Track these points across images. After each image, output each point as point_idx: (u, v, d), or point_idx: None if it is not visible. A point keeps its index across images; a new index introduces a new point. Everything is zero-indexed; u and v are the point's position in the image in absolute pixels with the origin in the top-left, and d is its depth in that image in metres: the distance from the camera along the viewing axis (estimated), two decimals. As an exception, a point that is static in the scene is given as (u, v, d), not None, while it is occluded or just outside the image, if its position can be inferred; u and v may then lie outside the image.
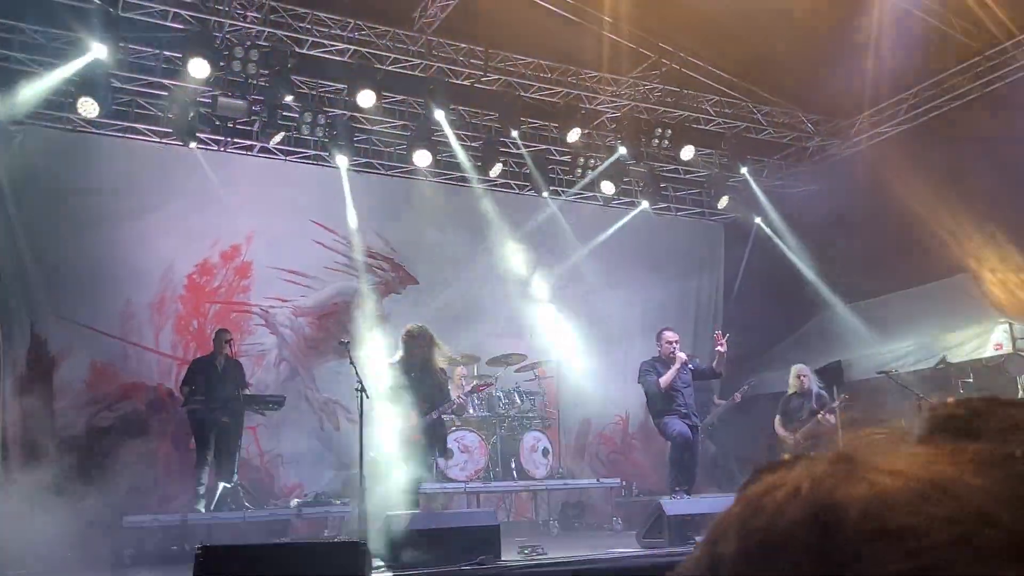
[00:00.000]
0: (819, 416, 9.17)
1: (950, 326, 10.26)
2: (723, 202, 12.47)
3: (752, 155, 12.42)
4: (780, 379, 11.52)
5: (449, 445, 8.64)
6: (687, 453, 8.01)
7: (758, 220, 12.96)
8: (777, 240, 12.51)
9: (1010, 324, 9.72)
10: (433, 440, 7.31)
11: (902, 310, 10.89)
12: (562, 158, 11.91)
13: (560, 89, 10.82)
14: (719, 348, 8.24)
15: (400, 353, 7.14)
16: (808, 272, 12.00)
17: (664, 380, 8.12)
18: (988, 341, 9.83)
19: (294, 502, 8.90)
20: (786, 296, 12.35)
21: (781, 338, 12.57)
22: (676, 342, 8.35)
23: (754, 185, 12.61)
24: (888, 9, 10.01)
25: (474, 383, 8.67)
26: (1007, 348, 9.68)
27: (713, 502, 7.31)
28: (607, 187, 11.63)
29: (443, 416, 7.46)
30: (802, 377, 9.59)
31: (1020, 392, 9.58)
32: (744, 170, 12.33)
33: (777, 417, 9.61)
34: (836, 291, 11.63)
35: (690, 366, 8.23)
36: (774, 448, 9.52)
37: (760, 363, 12.23)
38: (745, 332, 12.50)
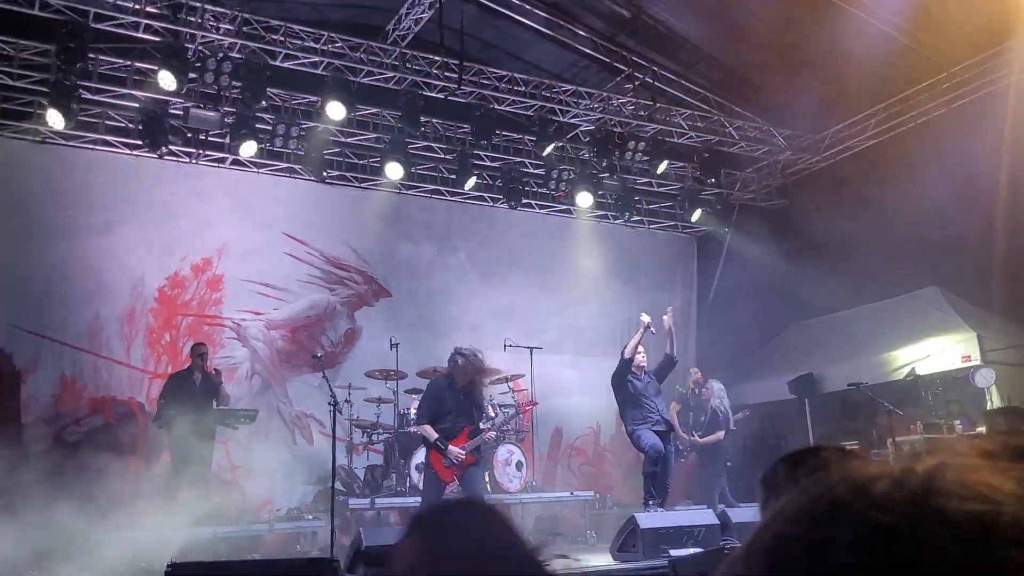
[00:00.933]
0: (720, 434, 9.83)
1: (919, 338, 10.39)
2: (696, 215, 12.57)
3: (724, 169, 12.54)
4: (754, 390, 11.63)
5: (421, 460, 8.61)
6: (660, 466, 8.01)
7: (729, 233, 13.06)
8: (749, 253, 12.61)
9: (978, 335, 9.86)
10: (481, 459, 7.25)
11: (872, 323, 11.02)
12: (536, 171, 11.95)
13: (534, 102, 10.87)
14: (667, 324, 8.20)
15: (453, 376, 6.96)
16: (780, 285, 12.10)
17: (629, 347, 8.08)
18: (957, 353, 9.97)
19: (265, 517, 8.80)
20: (759, 308, 12.45)
21: (754, 350, 12.67)
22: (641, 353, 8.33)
23: (726, 197, 12.74)
24: (857, 26, 10.18)
25: (518, 404, 8.64)
26: (976, 359, 9.81)
27: (686, 515, 7.34)
28: (582, 200, 11.67)
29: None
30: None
31: (988, 403, 9.72)
32: (715, 182, 12.44)
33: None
34: (807, 304, 11.73)
35: (651, 330, 8.14)
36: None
37: (734, 375, 12.31)
38: (719, 344, 12.63)
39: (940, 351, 10.09)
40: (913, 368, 10.01)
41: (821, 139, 12.46)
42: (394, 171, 10.68)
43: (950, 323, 10.29)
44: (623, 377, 8.17)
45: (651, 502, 7.84)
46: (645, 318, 8.18)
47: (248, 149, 9.90)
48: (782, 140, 12.45)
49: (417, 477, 9.01)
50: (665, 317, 8.29)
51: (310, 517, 8.66)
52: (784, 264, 11.81)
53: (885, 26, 10.16)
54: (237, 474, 9.93)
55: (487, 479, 9.73)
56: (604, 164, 11.76)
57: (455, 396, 6.90)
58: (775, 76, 11.77)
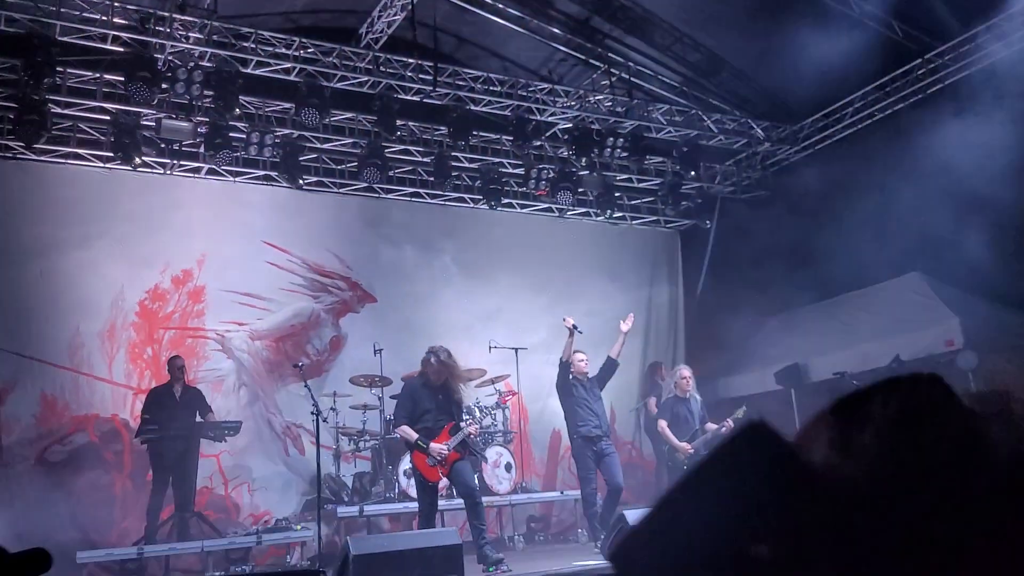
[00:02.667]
0: (722, 425, 8.63)
1: (903, 324, 10.41)
2: (675, 210, 12.58)
3: (704, 162, 12.52)
4: (743, 382, 11.63)
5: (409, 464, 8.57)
6: (602, 499, 8.06)
7: (712, 226, 13.07)
8: (731, 246, 12.60)
9: (960, 320, 9.89)
10: (467, 453, 7.23)
11: (855, 310, 11.04)
12: (515, 171, 11.91)
13: (510, 102, 10.83)
14: (623, 328, 8.27)
15: (426, 375, 6.95)
16: (763, 276, 12.08)
17: (564, 352, 8.15)
18: (940, 338, 9.99)
19: (253, 529, 8.74)
20: (744, 300, 12.45)
21: (741, 342, 12.67)
22: (584, 361, 8.33)
23: (707, 191, 12.74)
24: (830, 14, 10.19)
25: (496, 397, 8.65)
26: (959, 344, 9.83)
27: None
28: (561, 198, 11.64)
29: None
30: (687, 379, 9.04)
31: (972, 386, 9.75)
32: (695, 176, 12.44)
33: (663, 422, 8.89)
34: (791, 294, 11.74)
35: (579, 331, 8.16)
36: (669, 451, 8.88)
37: (722, 368, 12.33)
38: (708, 338, 12.63)
39: (924, 336, 10.11)
40: (897, 355, 10.02)
41: (799, 129, 12.48)
42: (373, 175, 10.61)
43: (933, 308, 10.31)
44: (565, 382, 8.16)
45: (603, 535, 7.75)
46: (569, 321, 8.18)
47: (222, 159, 9.81)
48: (760, 132, 12.45)
49: (406, 482, 8.96)
50: (622, 323, 8.35)
51: (299, 527, 8.59)
52: (767, 255, 11.79)
53: (858, 14, 10.17)
54: (230, 487, 9.86)
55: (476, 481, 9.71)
56: (583, 162, 11.72)
57: (432, 395, 6.87)
58: (752, 61, 11.79)
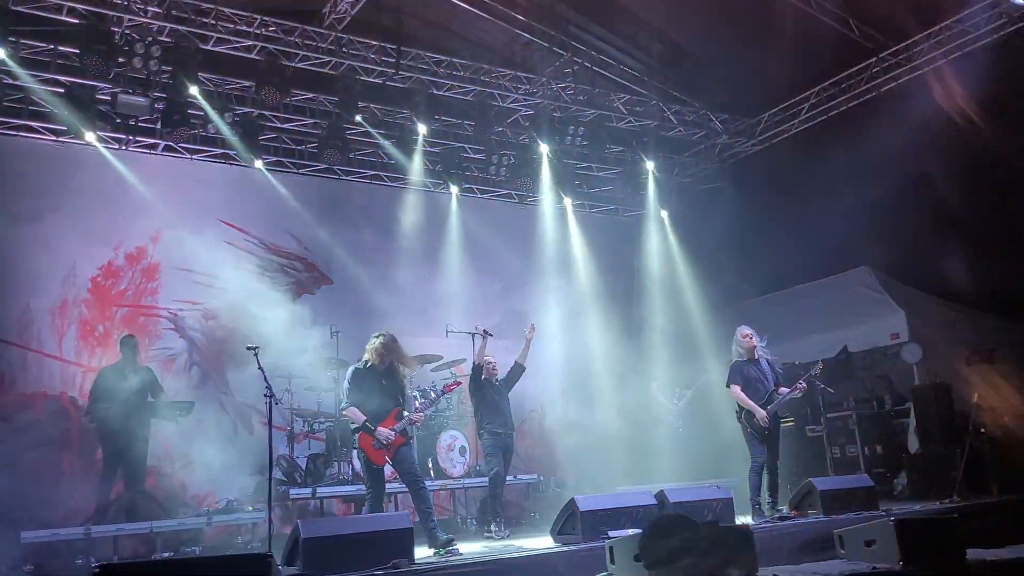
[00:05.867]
0: (796, 387, 7.99)
1: (850, 317, 10.68)
2: (635, 200, 12.71)
3: (663, 153, 12.66)
4: (696, 371, 11.77)
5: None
6: (501, 487, 8.33)
7: (668, 216, 13.23)
8: (688, 236, 12.78)
9: (906, 313, 10.18)
10: (410, 440, 7.28)
11: (805, 302, 11.28)
12: (477, 156, 11.92)
13: (473, 87, 10.81)
14: (527, 336, 8.54)
15: (371, 359, 6.95)
16: (718, 268, 12.28)
17: (477, 356, 8.38)
18: (885, 331, 10.28)
19: (203, 510, 8.69)
20: (699, 291, 12.66)
21: (695, 332, 12.87)
22: (493, 364, 8.60)
23: (665, 181, 12.88)
24: (789, 11, 10.34)
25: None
26: (904, 336, 10.13)
27: (625, 497, 7.45)
28: (522, 185, 11.70)
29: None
30: (749, 336, 8.24)
31: (916, 378, 10.06)
32: (654, 166, 12.57)
33: (735, 387, 8.10)
34: (744, 285, 11.96)
35: (490, 335, 8.37)
36: (748, 414, 7.95)
37: (676, 357, 12.51)
38: (663, 327, 12.81)
39: (870, 329, 10.39)
40: (845, 346, 10.29)
41: (756, 123, 12.66)
42: (334, 156, 10.55)
43: (879, 302, 10.59)
44: (478, 383, 8.43)
45: (494, 526, 8.12)
46: (480, 327, 8.46)
47: (180, 136, 9.67)
48: (719, 124, 12.62)
49: (359, 465, 8.98)
50: (525, 331, 8.61)
51: (250, 509, 8.57)
52: (722, 247, 12.00)
53: (816, 11, 10.33)
54: (177, 467, 9.77)
55: (431, 464, 9.77)
56: (545, 149, 11.77)
57: (376, 379, 6.91)
58: (713, 54, 11.92)
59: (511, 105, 11.31)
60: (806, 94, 11.88)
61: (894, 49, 10.83)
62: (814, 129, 12.00)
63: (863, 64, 11.15)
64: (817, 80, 11.64)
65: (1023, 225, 9.96)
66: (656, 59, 12.17)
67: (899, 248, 10.67)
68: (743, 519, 7.61)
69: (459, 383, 8.65)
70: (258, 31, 9.49)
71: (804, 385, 8.04)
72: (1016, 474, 8.40)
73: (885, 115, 10.88)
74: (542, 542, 7.21)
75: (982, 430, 8.80)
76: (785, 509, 7.86)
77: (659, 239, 13.44)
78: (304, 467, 9.46)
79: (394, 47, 10.12)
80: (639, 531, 6.54)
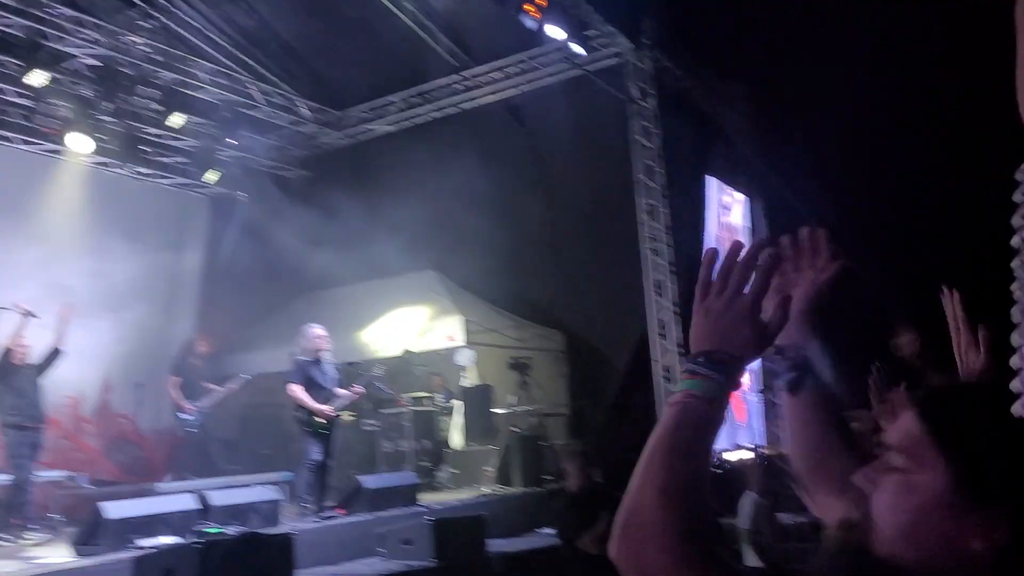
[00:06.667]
0: (354, 391, 8.30)
1: (413, 317, 11.18)
2: (211, 176, 11.93)
3: (247, 131, 12.01)
4: (257, 360, 11.37)
5: None
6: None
7: (246, 198, 12.68)
8: (264, 221, 12.31)
9: (464, 318, 10.89)
10: None
11: (374, 299, 11.54)
12: (21, 100, 10.18)
13: (22, 20, 9.19)
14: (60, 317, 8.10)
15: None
16: (292, 256, 12.01)
17: (9, 339, 7.83)
18: (443, 333, 10.91)
19: None
20: (270, 277, 12.30)
21: (263, 319, 12.49)
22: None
23: (246, 162, 12.30)
24: (383, 12, 10.48)
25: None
26: (460, 340, 10.84)
27: (161, 500, 6.88)
28: (77, 143, 10.25)
29: None
30: (322, 339, 8.25)
31: (464, 379, 10.84)
32: (236, 145, 11.91)
33: (295, 386, 7.93)
34: (317, 276, 11.86)
35: (33, 315, 7.86)
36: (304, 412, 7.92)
37: (237, 343, 12.01)
38: (225, 311, 12.21)
39: (430, 330, 10.97)
40: (406, 348, 10.72)
41: (344, 116, 12.66)
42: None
43: (442, 305, 11.23)
44: (4, 366, 7.79)
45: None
46: (22, 306, 7.87)
47: None
48: (307, 111, 12.38)
49: None
50: (58, 311, 8.12)
51: None
52: (298, 235, 11.76)
53: (406, 17, 10.61)
54: None
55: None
56: (108, 106, 10.43)
57: None
58: (305, 40, 11.67)
59: (69, 49, 9.83)
60: (391, 97, 12.16)
61: (475, 69, 11.50)
62: (401, 134, 12.32)
63: (447, 79, 11.68)
64: (404, 86, 11.98)
65: (568, 245, 11.27)
66: (245, 36, 11.56)
67: (466, 256, 11.38)
68: (290, 521, 7.49)
69: None
70: None
71: (362, 388, 8.46)
72: (539, 469, 9.44)
73: (465, 131, 11.53)
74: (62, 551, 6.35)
75: (513, 428, 9.80)
76: (331, 507, 7.91)
77: (234, 221, 12.84)
78: None
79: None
80: (178, 541, 6.06)
